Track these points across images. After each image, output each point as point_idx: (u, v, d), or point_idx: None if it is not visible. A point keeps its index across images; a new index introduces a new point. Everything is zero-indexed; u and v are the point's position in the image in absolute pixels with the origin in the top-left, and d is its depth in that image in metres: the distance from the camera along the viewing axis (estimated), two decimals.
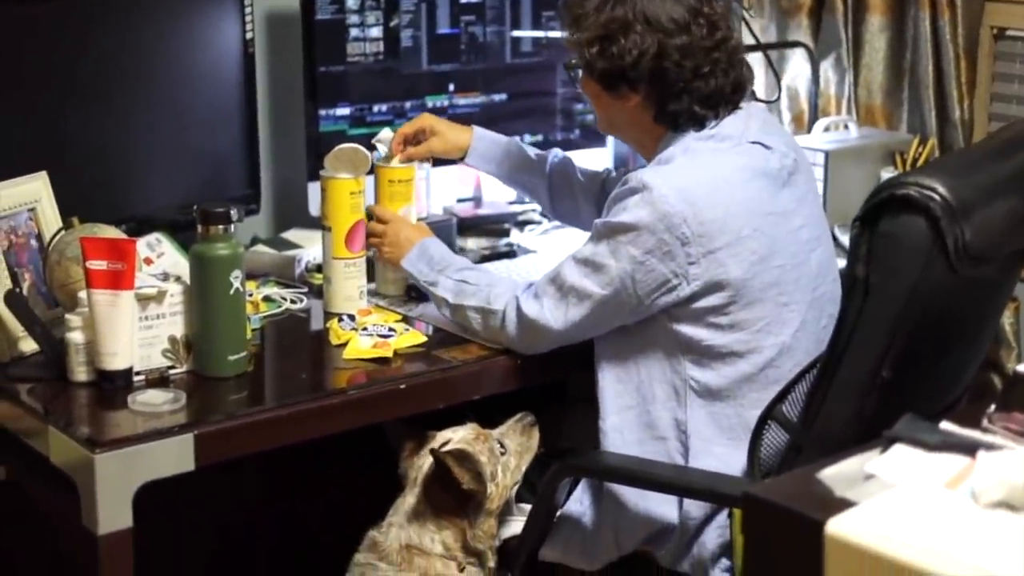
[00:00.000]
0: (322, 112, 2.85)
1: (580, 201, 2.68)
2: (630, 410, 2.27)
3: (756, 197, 2.21)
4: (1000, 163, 2.02)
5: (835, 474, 1.52)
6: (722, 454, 2.21)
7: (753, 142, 2.26)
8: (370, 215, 2.54)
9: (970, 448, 1.50)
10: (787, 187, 2.26)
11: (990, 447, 1.50)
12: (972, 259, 1.87)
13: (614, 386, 2.28)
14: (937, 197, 1.82)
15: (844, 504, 1.43)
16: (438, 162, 2.92)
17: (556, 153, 2.73)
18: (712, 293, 2.18)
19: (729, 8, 2.32)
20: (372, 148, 2.59)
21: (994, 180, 1.97)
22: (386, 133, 2.64)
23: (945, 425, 1.57)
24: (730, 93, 2.27)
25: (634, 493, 2.25)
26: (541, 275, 2.59)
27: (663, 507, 2.24)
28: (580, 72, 2.33)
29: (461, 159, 2.69)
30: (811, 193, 2.34)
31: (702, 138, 2.25)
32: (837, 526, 1.39)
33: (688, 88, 2.22)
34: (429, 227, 2.57)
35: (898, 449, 1.53)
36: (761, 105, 2.33)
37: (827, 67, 3.42)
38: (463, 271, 2.41)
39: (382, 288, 2.58)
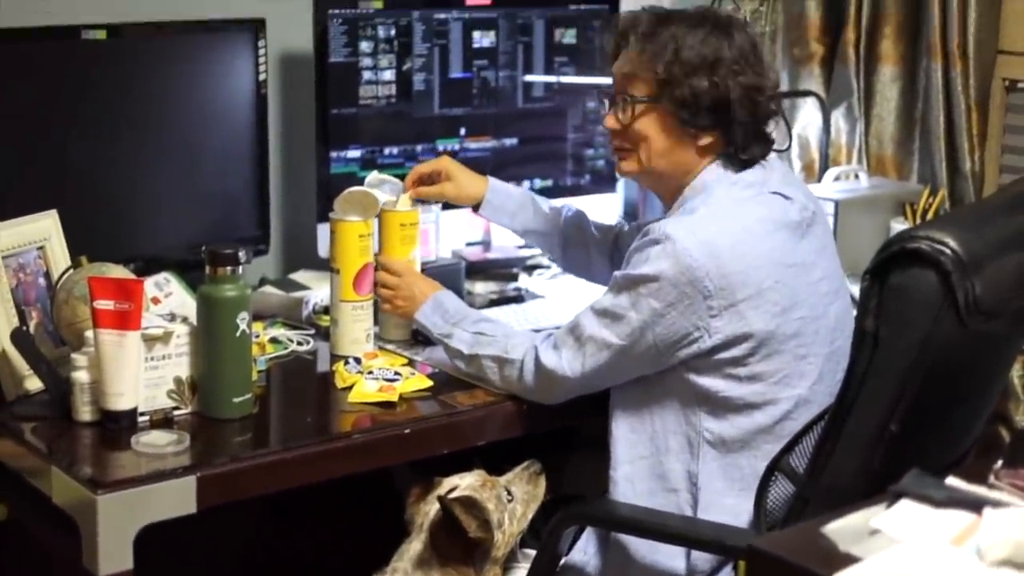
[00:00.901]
0: (333, 154, 2.86)
1: (593, 254, 2.68)
2: (643, 460, 2.25)
3: (778, 248, 2.20)
4: (1010, 217, 2.02)
5: (840, 528, 1.51)
6: (732, 505, 2.19)
7: (774, 192, 2.25)
8: (380, 266, 2.54)
9: (976, 505, 1.49)
10: (806, 238, 2.25)
11: (996, 504, 1.49)
12: (982, 313, 1.86)
13: (628, 436, 2.27)
14: (948, 251, 1.82)
15: (848, 559, 1.43)
16: (447, 205, 2.93)
17: (569, 207, 2.73)
18: (733, 346, 2.17)
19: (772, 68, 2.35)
20: None
21: (1004, 235, 1.96)
22: (375, 177, 2.64)
23: (951, 481, 1.57)
24: (767, 144, 2.30)
25: (641, 544, 2.23)
26: (549, 320, 2.62)
27: (671, 559, 2.22)
28: (632, 104, 2.28)
29: (474, 209, 2.68)
30: (829, 245, 2.34)
31: (726, 184, 2.24)
32: None
33: (762, 130, 2.26)
34: (437, 270, 2.56)
35: (904, 504, 1.52)
36: (777, 157, 2.32)
37: (838, 116, 3.42)
38: (479, 323, 2.41)
39: (386, 333, 2.58)
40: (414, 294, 2.49)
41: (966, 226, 1.93)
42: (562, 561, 2.32)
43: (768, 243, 2.19)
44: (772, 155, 2.34)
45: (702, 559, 2.20)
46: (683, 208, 2.25)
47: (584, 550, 2.32)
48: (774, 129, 2.28)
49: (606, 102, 2.35)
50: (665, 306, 2.15)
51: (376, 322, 2.57)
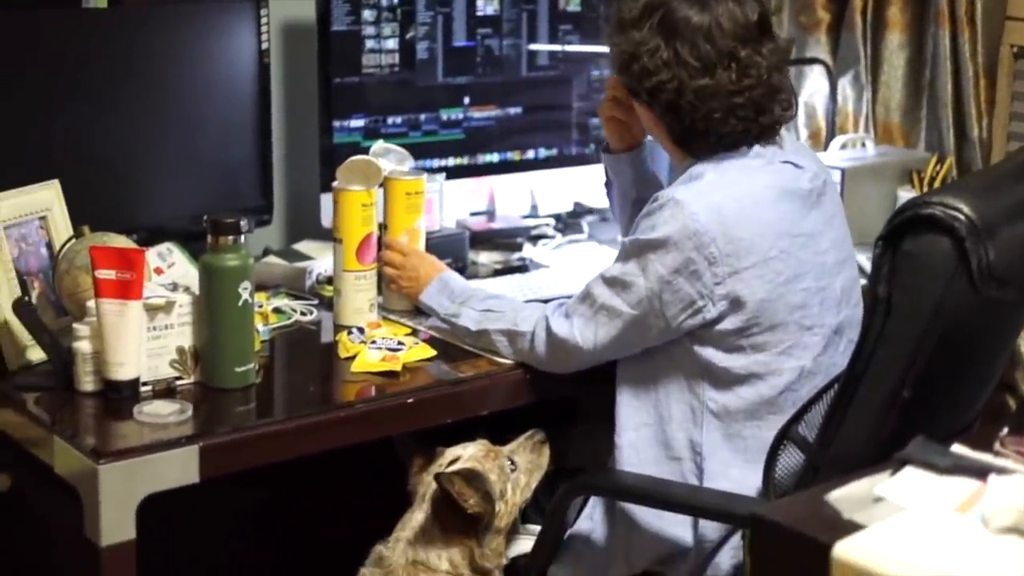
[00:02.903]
0: (336, 123, 2.84)
1: None
2: (647, 427, 2.25)
3: (785, 218, 2.18)
4: (1021, 184, 2.00)
5: (844, 496, 1.51)
6: (738, 476, 2.18)
7: (785, 161, 2.23)
8: (386, 245, 2.54)
9: (981, 472, 1.49)
10: (816, 208, 2.24)
11: (1002, 471, 1.49)
12: (995, 280, 1.85)
13: (632, 403, 2.26)
14: (962, 217, 1.81)
15: (852, 527, 1.43)
16: (451, 174, 2.92)
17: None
18: (735, 314, 2.15)
19: (782, 51, 2.26)
20: None
21: (1016, 201, 1.95)
22: (380, 146, 2.63)
23: (956, 448, 1.57)
24: (756, 135, 2.24)
25: (648, 512, 2.22)
26: (552, 290, 2.61)
27: (677, 528, 2.22)
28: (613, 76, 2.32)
29: (626, 150, 2.54)
30: (838, 216, 2.32)
31: (735, 155, 2.23)
32: (844, 549, 1.38)
33: (706, 127, 2.21)
34: (441, 239, 2.55)
35: (908, 472, 1.52)
36: (788, 132, 2.30)
37: (845, 84, 3.40)
38: (487, 300, 2.41)
39: (389, 303, 2.57)
40: (419, 275, 2.49)
41: (979, 192, 1.91)
42: (568, 531, 2.32)
43: (775, 211, 2.18)
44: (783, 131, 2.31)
45: (710, 528, 2.19)
46: (690, 173, 2.23)
47: (591, 516, 2.31)
48: (752, 126, 2.21)
49: None
50: (672, 271, 2.14)
51: (380, 293, 2.56)
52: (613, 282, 2.20)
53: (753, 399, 2.19)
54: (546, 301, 2.38)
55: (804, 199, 2.22)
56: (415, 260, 2.52)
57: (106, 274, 2.11)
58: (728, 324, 2.16)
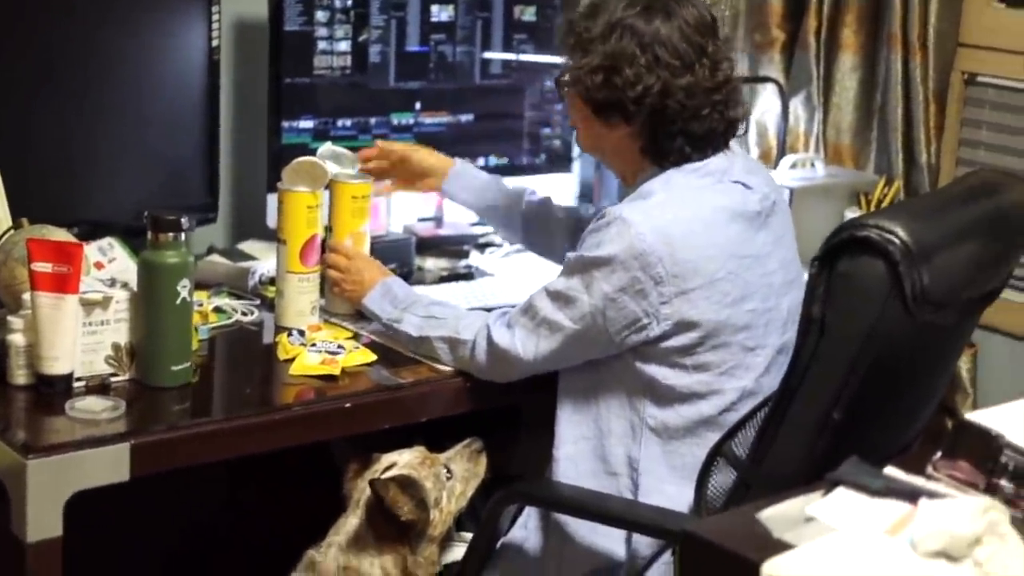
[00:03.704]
0: (285, 124, 2.81)
1: (557, 235, 2.66)
2: (586, 441, 2.24)
3: (733, 239, 2.18)
4: (962, 210, 2.02)
5: (775, 515, 1.50)
6: (673, 493, 2.18)
7: (735, 181, 2.23)
8: (331, 248, 2.52)
9: (912, 495, 1.48)
10: (764, 229, 2.23)
11: (932, 495, 1.48)
12: (930, 304, 1.86)
13: (572, 416, 2.25)
14: (897, 241, 1.82)
15: (782, 546, 1.42)
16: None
17: (532, 190, 2.73)
18: (681, 334, 2.15)
19: (731, 47, 2.29)
20: None
21: (955, 226, 1.96)
22: (327, 148, 2.61)
23: (889, 470, 1.56)
24: (722, 133, 2.24)
25: (582, 525, 2.22)
26: (498, 298, 2.61)
27: (611, 542, 2.21)
28: (568, 90, 2.29)
29: (436, 189, 2.68)
30: (787, 236, 2.32)
31: (686, 172, 2.22)
32: (773, 568, 1.37)
33: (684, 128, 2.20)
34: (387, 245, 2.54)
35: (840, 492, 1.51)
36: (738, 143, 2.31)
37: (797, 104, 3.41)
38: (430, 307, 2.39)
39: (332, 307, 2.55)
40: (363, 279, 2.47)
41: (917, 216, 1.92)
42: (501, 539, 2.30)
43: (724, 233, 2.18)
44: (734, 142, 2.31)
45: (643, 543, 2.19)
46: (640, 191, 2.23)
47: (525, 525, 2.30)
48: (721, 124, 2.23)
49: None
50: (616, 290, 2.13)
51: (323, 295, 2.54)
52: (556, 296, 2.19)
53: (693, 417, 2.18)
54: (490, 310, 2.37)
55: (752, 220, 2.22)
56: (359, 264, 2.50)
57: (42, 267, 2.09)
58: (673, 343, 2.15)
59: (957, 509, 1.42)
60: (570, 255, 2.21)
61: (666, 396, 2.18)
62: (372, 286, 2.45)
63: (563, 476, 2.24)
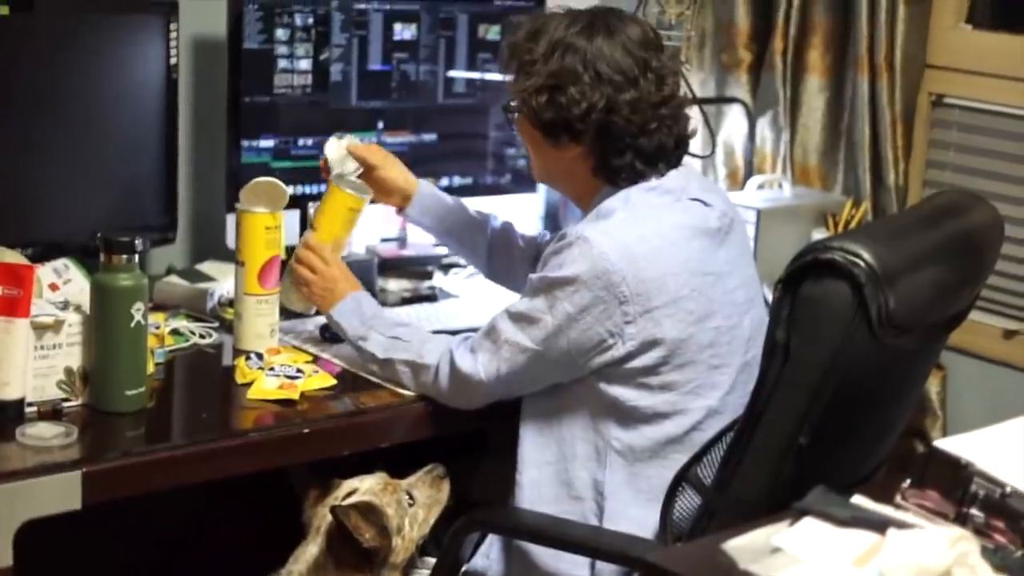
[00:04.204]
0: (245, 143, 2.77)
1: (518, 263, 2.62)
2: (549, 466, 2.21)
3: (695, 257, 2.16)
4: (928, 232, 2.00)
5: (741, 545, 1.47)
6: (638, 516, 2.15)
7: (693, 199, 2.21)
8: (309, 244, 2.44)
9: (880, 525, 1.45)
10: (724, 246, 2.21)
11: (901, 525, 1.46)
12: (895, 328, 1.84)
13: (535, 439, 2.22)
14: (862, 263, 1.80)
15: None
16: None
17: (495, 216, 2.69)
18: (645, 353, 2.12)
19: (677, 63, 2.27)
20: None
21: (921, 249, 1.95)
22: (331, 145, 2.54)
23: (857, 500, 1.54)
24: (672, 149, 2.22)
25: (545, 552, 2.18)
26: (461, 320, 2.57)
27: (576, 569, 2.17)
28: (517, 116, 2.27)
29: (399, 210, 2.62)
30: (746, 254, 2.31)
31: (644, 190, 2.20)
32: None
33: (633, 144, 2.18)
34: (349, 265, 2.48)
35: (807, 522, 1.48)
36: (694, 163, 2.28)
37: (764, 125, 3.39)
38: (396, 327, 2.35)
39: (290, 302, 2.48)
40: (335, 288, 2.41)
41: (882, 238, 1.90)
42: (464, 567, 2.27)
43: (686, 250, 2.15)
44: (689, 160, 2.30)
45: (607, 569, 2.15)
46: (599, 211, 2.20)
47: (487, 554, 2.27)
48: (670, 139, 2.21)
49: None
50: (580, 311, 2.10)
51: (280, 289, 2.47)
52: (519, 317, 2.16)
53: (659, 438, 2.15)
54: (455, 333, 2.33)
55: (713, 237, 2.19)
56: (335, 272, 2.42)
57: None
58: (637, 363, 2.12)
59: (926, 540, 1.40)
60: (532, 276, 2.18)
61: (631, 417, 2.15)
62: (342, 297, 2.39)
63: (527, 502, 2.21)
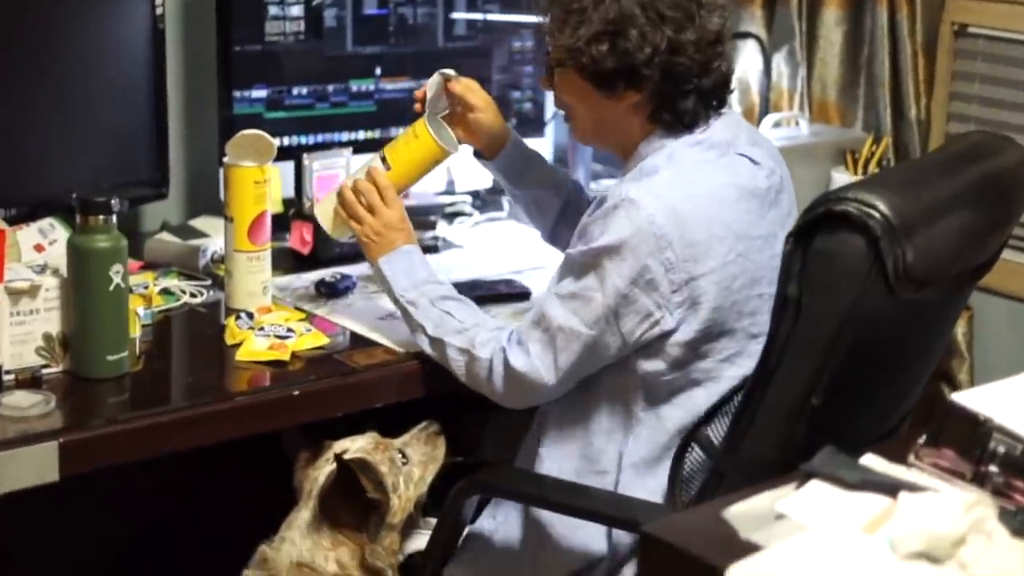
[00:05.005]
0: (237, 94, 2.69)
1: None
2: (574, 440, 2.11)
3: (742, 218, 2.04)
4: (949, 178, 1.90)
5: (743, 512, 1.40)
6: (653, 486, 2.06)
7: (740, 154, 2.09)
8: (374, 179, 2.26)
9: (892, 488, 1.38)
10: (774, 207, 2.10)
11: (913, 488, 1.37)
12: (913, 282, 1.75)
13: (559, 411, 2.12)
14: (877, 215, 1.71)
15: (749, 548, 1.32)
16: (361, 148, 2.75)
17: (571, 177, 2.55)
18: (689, 323, 2.01)
19: None
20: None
21: (942, 197, 1.85)
22: (434, 78, 2.36)
23: (868, 459, 1.46)
24: (722, 87, 2.11)
25: (562, 521, 2.08)
26: (462, 271, 2.47)
27: (593, 541, 2.08)
28: (558, 70, 2.12)
29: (477, 154, 2.43)
30: (793, 214, 2.16)
31: (689, 144, 2.07)
32: (737, 573, 1.27)
33: (698, 85, 2.05)
34: None
35: (814, 486, 1.41)
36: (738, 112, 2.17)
37: (779, 60, 3.32)
38: (446, 300, 2.19)
39: (328, 223, 2.30)
40: (390, 236, 2.23)
41: (899, 187, 1.80)
42: (468, 529, 2.18)
43: (732, 212, 2.04)
44: (734, 110, 2.17)
45: (625, 536, 2.06)
46: (641, 168, 2.07)
47: (493, 515, 2.19)
48: (716, 81, 2.08)
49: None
50: (629, 283, 1.98)
51: (319, 206, 2.33)
52: (569, 298, 2.03)
53: (689, 408, 2.05)
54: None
55: (762, 198, 2.08)
56: (394, 217, 2.24)
57: None
58: (680, 335, 2.02)
59: (939, 505, 1.33)
60: (571, 252, 2.06)
61: (662, 389, 2.05)
62: (393, 248, 2.23)
63: (546, 472, 2.12)
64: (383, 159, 2.28)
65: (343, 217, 2.27)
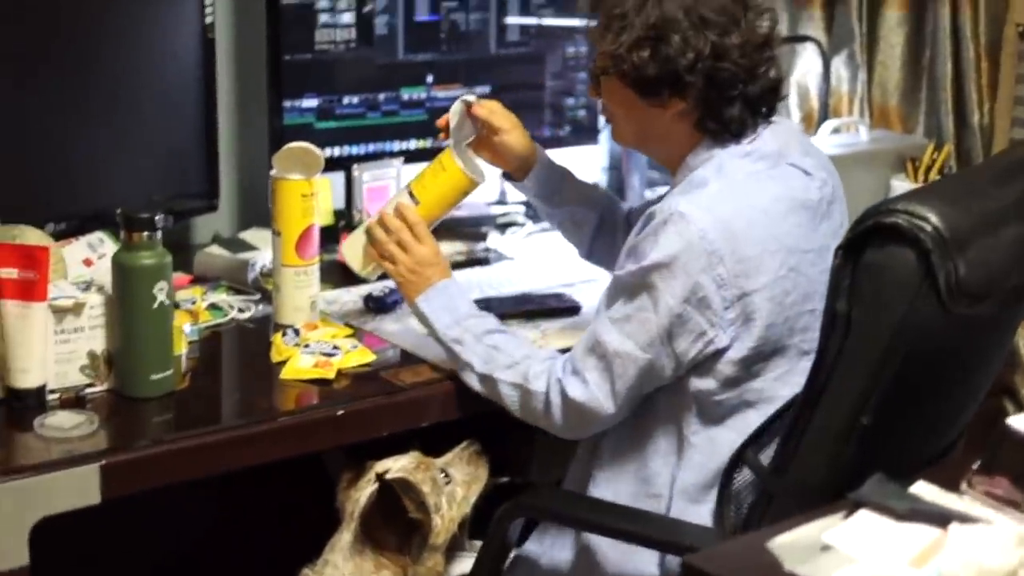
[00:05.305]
0: (287, 103, 2.67)
1: (620, 242, 2.27)
2: (630, 462, 2.06)
3: (794, 232, 1.99)
4: (1003, 188, 1.84)
5: (788, 543, 1.36)
6: (705, 512, 2.01)
7: (792, 164, 2.04)
8: (404, 217, 2.23)
9: (942, 519, 1.34)
10: (825, 220, 2.05)
11: (964, 519, 1.33)
12: (967, 296, 1.69)
13: (616, 431, 2.07)
14: (928, 227, 1.66)
15: None
16: (412, 158, 2.73)
17: (607, 191, 2.51)
18: (741, 340, 1.96)
19: None
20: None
21: (995, 208, 1.79)
22: (456, 105, 2.32)
23: (919, 487, 1.42)
24: (770, 94, 2.06)
25: (614, 548, 2.04)
26: (513, 285, 2.43)
27: (645, 563, 2.03)
28: (603, 78, 2.08)
29: (507, 176, 2.40)
30: (846, 226, 2.08)
31: (738, 155, 2.03)
32: None
33: (743, 92, 2.01)
34: None
35: (862, 516, 1.37)
36: (792, 121, 2.11)
37: (839, 64, 3.26)
38: (492, 334, 2.14)
39: (355, 262, 2.28)
40: (425, 273, 2.19)
41: (951, 198, 1.75)
42: (514, 552, 2.15)
43: (784, 226, 1.98)
44: (789, 117, 2.12)
45: (677, 563, 1.99)
46: (691, 180, 2.03)
47: (540, 540, 2.15)
48: (764, 87, 2.03)
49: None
50: (681, 302, 1.94)
51: (346, 243, 2.31)
52: (622, 321, 1.99)
53: (741, 429, 2.00)
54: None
55: (814, 211, 2.03)
56: (427, 252, 2.20)
57: (7, 273, 1.96)
58: (733, 353, 1.97)
59: (991, 538, 1.30)
60: (620, 273, 2.01)
61: (714, 408, 2.00)
62: (430, 284, 2.19)
63: (599, 495, 2.07)
64: (410, 194, 2.26)
65: (374, 256, 2.25)
